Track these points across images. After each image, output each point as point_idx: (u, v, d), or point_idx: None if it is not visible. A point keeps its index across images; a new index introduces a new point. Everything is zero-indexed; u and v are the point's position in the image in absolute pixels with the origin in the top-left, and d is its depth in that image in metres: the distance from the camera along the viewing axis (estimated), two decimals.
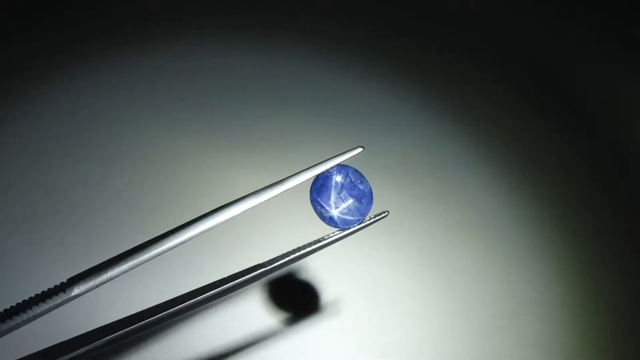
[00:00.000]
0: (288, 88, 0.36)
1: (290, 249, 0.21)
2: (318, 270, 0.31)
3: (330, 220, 0.22)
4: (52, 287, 0.18)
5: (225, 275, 0.21)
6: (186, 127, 0.34)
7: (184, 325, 0.29)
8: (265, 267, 0.21)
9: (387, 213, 0.23)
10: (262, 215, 0.31)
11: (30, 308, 0.18)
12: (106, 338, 0.19)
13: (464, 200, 0.34)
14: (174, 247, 0.19)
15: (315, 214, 0.22)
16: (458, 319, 0.30)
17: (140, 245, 0.19)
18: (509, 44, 0.40)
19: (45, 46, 0.36)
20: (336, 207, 0.22)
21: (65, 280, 0.19)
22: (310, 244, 0.22)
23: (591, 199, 0.35)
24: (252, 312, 0.29)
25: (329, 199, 0.22)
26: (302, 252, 0.21)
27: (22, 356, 0.19)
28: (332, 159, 0.21)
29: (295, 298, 0.30)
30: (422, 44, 0.39)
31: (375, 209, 0.32)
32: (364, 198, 0.22)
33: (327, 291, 0.30)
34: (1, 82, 0.35)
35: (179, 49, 0.37)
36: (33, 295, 0.18)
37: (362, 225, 0.23)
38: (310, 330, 0.29)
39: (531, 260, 0.32)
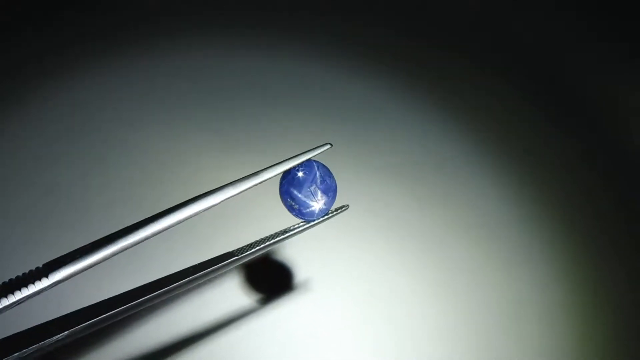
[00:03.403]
0: (267, 85, 0.37)
1: (259, 238, 0.22)
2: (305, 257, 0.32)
3: (298, 213, 0.23)
4: (27, 272, 0.19)
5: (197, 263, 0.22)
6: (159, 122, 0.35)
7: (158, 311, 0.30)
8: (236, 255, 0.22)
9: (347, 207, 0.24)
10: (233, 207, 0.32)
11: (11, 294, 0.19)
12: (85, 323, 0.20)
13: (462, 198, 0.34)
14: (146, 238, 0.20)
15: (284, 207, 0.23)
16: (456, 319, 0.31)
17: (113, 234, 0.20)
18: (509, 42, 0.40)
19: (44, 46, 0.37)
20: (307, 201, 0.23)
21: (40, 266, 0.20)
22: (278, 234, 0.23)
23: (593, 198, 0.35)
24: (229, 295, 0.30)
25: (300, 192, 0.23)
26: (272, 241, 0.23)
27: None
28: (303, 154, 0.22)
29: (271, 282, 0.31)
30: (421, 42, 0.39)
31: (377, 208, 0.33)
32: (330, 192, 0.23)
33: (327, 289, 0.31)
34: (1, 81, 0.36)
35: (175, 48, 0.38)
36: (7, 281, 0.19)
37: (325, 217, 0.24)
38: (287, 312, 0.30)
39: (531, 259, 0.32)
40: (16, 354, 0.19)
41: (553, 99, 0.38)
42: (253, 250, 0.22)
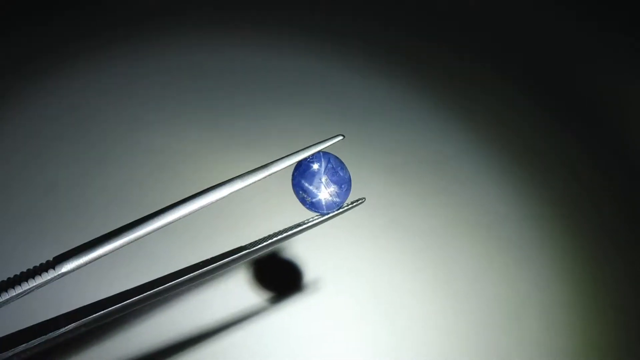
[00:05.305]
0: (279, 80, 0.37)
1: (272, 232, 0.22)
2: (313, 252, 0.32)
3: (311, 205, 0.23)
4: (37, 265, 0.19)
5: (209, 257, 0.21)
6: (173, 120, 0.35)
7: (169, 304, 0.29)
8: (248, 249, 0.21)
9: (364, 199, 0.24)
10: (246, 201, 0.32)
11: (18, 284, 0.18)
12: (93, 316, 0.20)
13: (464, 197, 0.34)
14: (160, 227, 0.20)
15: (297, 199, 0.23)
16: (457, 317, 0.30)
17: (126, 225, 0.19)
18: (510, 41, 0.40)
19: (43, 45, 0.37)
20: (318, 193, 0.23)
21: (51, 259, 0.19)
22: (291, 228, 0.22)
23: (594, 197, 0.35)
24: (236, 290, 0.30)
25: (311, 184, 0.23)
26: (284, 235, 0.22)
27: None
28: (314, 146, 0.22)
29: (278, 277, 0.31)
30: (422, 41, 0.39)
31: (378, 208, 0.33)
32: (344, 184, 0.23)
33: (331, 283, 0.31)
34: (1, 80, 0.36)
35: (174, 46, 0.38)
36: (18, 274, 0.19)
37: (341, 210, 0.23)
38: (293, 308, 0.30)
39: (533, 258, 0.32)
40: (12, 350, 0.19)
41: (554, 98, 0.38)
42: (264, 244, 0.22)
